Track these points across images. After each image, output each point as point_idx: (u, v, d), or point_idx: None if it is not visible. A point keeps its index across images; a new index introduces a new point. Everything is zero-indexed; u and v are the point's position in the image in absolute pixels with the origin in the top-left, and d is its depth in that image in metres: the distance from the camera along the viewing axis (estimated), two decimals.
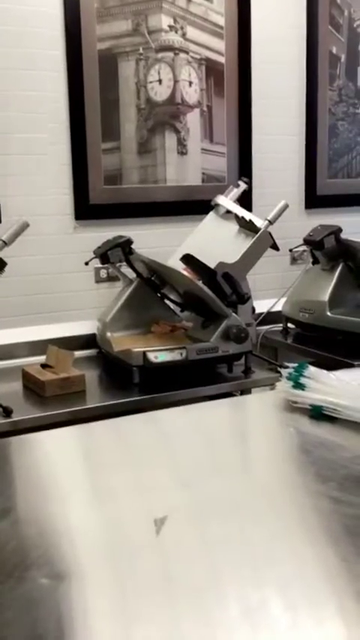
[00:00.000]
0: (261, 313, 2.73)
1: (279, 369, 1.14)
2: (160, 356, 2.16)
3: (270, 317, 2.78)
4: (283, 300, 2.75)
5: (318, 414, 0.99)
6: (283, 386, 1.04)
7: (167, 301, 2.43)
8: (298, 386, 1.02)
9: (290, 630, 0.63)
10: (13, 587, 0.68)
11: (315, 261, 2.69)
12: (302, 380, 1.03)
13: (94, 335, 2.45)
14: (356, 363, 2.31)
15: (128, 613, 0.66)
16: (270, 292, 2.80)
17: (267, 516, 0.82)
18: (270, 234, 2.33)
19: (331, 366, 2.49)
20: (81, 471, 1.00)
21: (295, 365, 1.06)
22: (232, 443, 1.03)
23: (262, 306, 2.74)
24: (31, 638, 0.62)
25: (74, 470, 0.99)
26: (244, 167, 2.76)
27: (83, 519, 0.83)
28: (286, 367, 1.09)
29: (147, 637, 0.62)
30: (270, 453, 0.99)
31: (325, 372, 1.06)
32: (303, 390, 1.02)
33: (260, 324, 2.74)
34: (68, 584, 0.70)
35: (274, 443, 1.02)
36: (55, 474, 0.98)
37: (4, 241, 2.10)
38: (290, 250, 2.81)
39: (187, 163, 2.68)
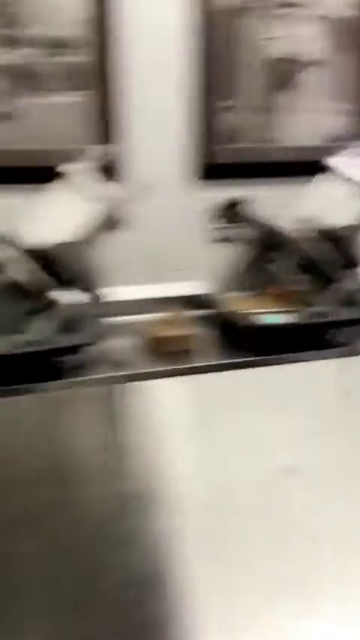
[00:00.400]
0: None
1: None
2: (272, 318, 2.19)
3: None
4: None
5: None
6: None
7: (282, 263, 2.44)
8: None
9: None
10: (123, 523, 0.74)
11: None
12: None
13: (209, 295, 2.50)
14: None
15: (224, 560, 0.70)
16: None
17: None
18: None
19: None
20: (194, 419, 1.04)
21: None
22: (344, 405, 1.05)
23: None
24: (137, 573, 0.68)
25: (187, 417, 1.04)
26: None
27: (193, 462, 0.87)
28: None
29: (245, 580, 0.66)
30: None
31: None
32: None
33: None
34: (179, 524, 0.75)
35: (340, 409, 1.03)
36: (168, 420, 1.03)
37: (129, 199, 2.16)
38: None
39: (306, 123, 2.64)
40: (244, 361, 2.15)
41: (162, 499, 0.78)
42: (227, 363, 2.15)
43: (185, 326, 2.24)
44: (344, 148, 2.48)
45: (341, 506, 0.77)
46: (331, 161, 2.44)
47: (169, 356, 2.15)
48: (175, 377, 2.08)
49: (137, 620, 0.62)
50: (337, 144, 2.64)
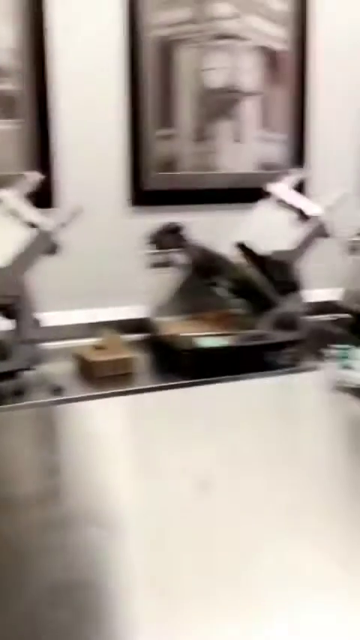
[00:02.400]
0: (314, 302, 2.71)
1: (324, 350, 1.14)
2: (209, 341, 2.18)
3: (323, 306, 2.75)
4: (337, 289, 2.73)
5: None
6: (330, 367, 1.05)
7: (218, 288, 2.45)
8: (345, 367, 1.02)
9: (324, 589, 0.64)
10: (63, 537, 0.72)
11: None
12: (349, 361, 1.03)
13: (145, 319, 2.48)
14: None
15: (166, 563, 0.68)
16: (323, 282, 2.77)
17: (310, 488, 0.83)
18: (325, 222, 2.32)
19: None
20: (128, 437, 1.03)
21: (342, 347, 1.06)
22: (276, 421, 1.04)
23: (315, 295, 2.72)
24: (81, 581, 0.65)
25: (122, 435, 1.02)
26: (300, 155, 2.74)
27: (129, 479, 0.86)
28: (333, 349, 1.09)
29: (183, 586, 0.64)
30: (314, 430, 0.99)
31: None
32: (349, 370, 1.02)
33: (312, 313, 2.71)
34: (113, 536, 0.73)
35: (318, 421, 1.02)
36: (103, 439, 1.01)
37: (60, 225, 2.14)
38: (346, 240, 2.77)
39: (242, 151, 2.68)
40: (181, 384, 2.13)
41: (98, 518, 0.76)
42: (164, 386, 2.12)
43: (122, 350, 2.21)
44: (280, 175, 2.53)
45: (271, 520, 0.76)
46: (269, 187, 2.49)
47: (106, 380, 2.11)
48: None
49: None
50: (272, 171, 2.69)
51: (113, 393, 2.04)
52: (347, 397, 1.01)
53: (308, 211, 2.33)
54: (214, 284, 2.45)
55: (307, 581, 0.65)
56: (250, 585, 0.66)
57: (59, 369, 2.21)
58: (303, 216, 2.36)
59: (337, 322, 2.73)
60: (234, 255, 2.26)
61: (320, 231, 2.32)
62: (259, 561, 0.69)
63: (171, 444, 1.00)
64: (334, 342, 2.70)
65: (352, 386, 1.02)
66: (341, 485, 0.85)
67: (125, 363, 2.15)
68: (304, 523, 0.75)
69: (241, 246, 2.19)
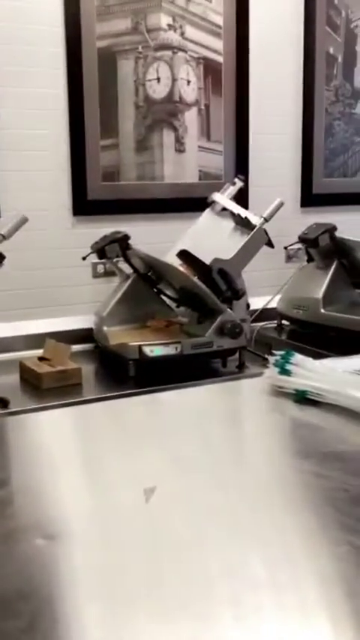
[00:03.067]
0: (256, 310, 2.76)
1: (267, 356, 1.18)
2: (155, 350, 2.19)
3: (265, 313, 2.81)
4: (278, 297, 2.79)
5: (302, 398, 1.03)
6: (270, 372, 1.08)
7: (163, 296, 2.47)
8: (284, 372, 1.05)
9: (269, 587, 0.66)
10: (10, 547, 0.72)
11: (310, 259, 2.72)
12: (288, 366, 1.06)
13: (91, 329, 2.48)
14: None
15: (113, 569, 0.69)
16: (265, 289, 2.84)
17: (251, 488, 0.85)
18: (265, 231, 2.37)
19: None
20: (75, 447, 1.03)
21: (282, 352, 1.09)
22: (219, 425, 1.06)
23: (257, 302, 2.78)
24: (26, 592, 0.65)
25: (69, 446, 1.02)
26: (240, 165, 2.79)
27: (75, 488, 0.87)
28: (274, 355, 1.12)
29: (131, 591, 0.65)
30: (254, 433, 1.02)
31: (310, 359, 1.09)
32: (289, 375, 1.05)
33: (255, 320, 2.77)
34: (60, 545, 0.73)
35: (259, 425, 1.05)
36: (50, 450, 1.01)
37: (2, 235, 2.13)
38: (285, 248, 2.84)
39: (184, 161, 2.72)
40: (127, 394, 2.13)
41: (46, 528, 0.77)
42: (110, 397, 2.13)
43: (68, 361, 2.20)
44: (222, 185, 2.57)
45: (218, 521, 0.78)
46: (211, 197, 2.53)
47: (52, 391, 2.10)
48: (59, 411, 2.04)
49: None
50: (213, 181, 2.73)
51: (60, 404, 2.04)
52: (286, 402, 1.04)
53: (249, 220, 2.38)
54: (159, 293, 2.47)
55: (255, 580, 0.67)
56: (198, 586, 0.67)
57: (4, 381, 2.19)
58: (244, 225, 2.41)
59: (281, 329, 2.79)
60: (178, 264, 2.28)
61: (260, 240, 2.37)
62: (207, 562, 0.71)
63: (118, 452, 1.01)
64: (276, 348, 2.76)
65: (291, 391, 1.05)
66: (282, 485, 0.88)
67: (71, 374, 2.14)
68: (250, 523, 0.78)
69: (184, 255, 2.22)
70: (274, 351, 1.16)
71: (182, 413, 1.14)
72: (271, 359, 1.10)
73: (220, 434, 1.03)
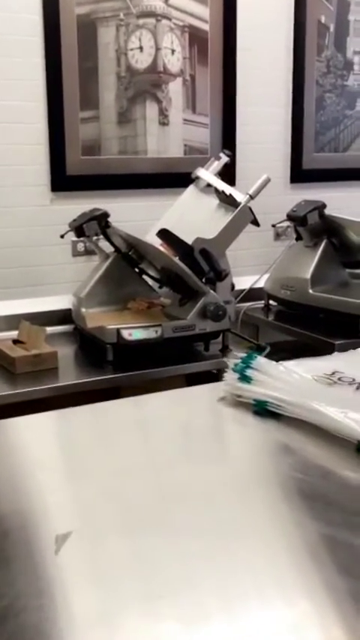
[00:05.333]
0: (242, 290, 2.68)
1: (225, 359, 1.09)
2: (134, 333, 2.11)
3: (252, 294, 2.73)
4: (266, 276, 2.70)
5: (262, 409, 0.94)
6: (229, 377, 0.99)
7: (145, 277, 2.38)
8: (244, 378, 0.96)
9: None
10: None
11: (298, 237, 2.63)
12: (248, 372, 0.97)
13: (69, 310, 2.39)
14: (337, 342, 2.27)
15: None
16: (253, 268, 2.75)
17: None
18: (250, 209, 2.27)
19: (311, 344, 2.47)
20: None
21: (244, 355, 1.00)
22: (168, 438, 0.98)
23: (244, 282, 2.69)
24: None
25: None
26: (227, 139, 2.68)
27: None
28: (234, 358, 1.03)
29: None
30: (205, 451, 0.93)
31: (273, 363, 1.00)
32: (249, 382, 0.96)
33: (242, 300, 2.68)
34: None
35: (211, 441, 0.97)
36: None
37: None
38: (273, 226, 2.74)
39: (168, 134, 2.61)
40: (108, 379, 2.06)
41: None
42: (90, 382, 2.05)
43: (44, 344, 2.11)
44: (207, 160, 2.46)
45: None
46: (196, 173, 2.42)
47: (26, 376, 2.02)
48: (36, 399, 1.96)
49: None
50: (198, 156, 2.62)
51: (33, 390, 1.96)
52: (244, 413, 0.96)
53: (233, 197, 2.28)
54: (141, 273, 2.38)
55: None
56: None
57: None
58: (228, 202, 2.31)
59: (268, 310, 2.70)
60: (159, 244, 2.19)
61: (245, 218, 2.27)
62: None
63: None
64: (265, 332, 2.68)
65: (250, 401, 0.96)
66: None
67: (46, 358, 2.06)
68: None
69: (164, 234, 2.12)
70: (235, 353, 1.07)
71: (127, 427, 1.05)
72: (231, 363, 1.01)
73: (164, 450, 0.94)
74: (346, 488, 0.80)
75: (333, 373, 0.97)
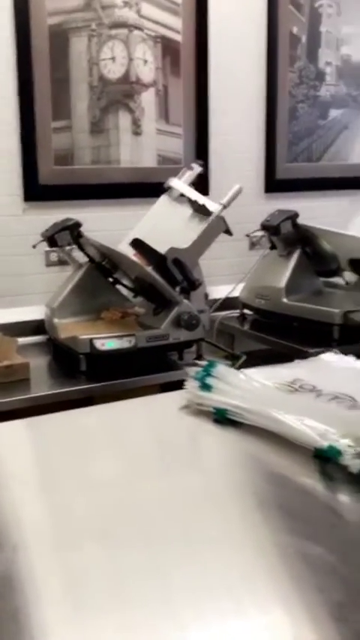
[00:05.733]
0: (217, 299, 2.68)
1: (186, 368, 1.08)
2: (107, 343, 2.10)
3: (228, 303, 2.73)
4: (241, 285, 2.70)
5: (223, 417, 0.93)
6: (190, 385, 0.98)
7: (119, 286, 2.37)
8: (205, 387, 0.96)
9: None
10: None
11: (273, 247, 2.64)
12: (209, 380, 0.96)
13: (42, 321, 2.37)
14: (311, 350, 2.27)
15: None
16: (228, 278, 2.75)
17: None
18: (223, 218, 2.27)
19: (286, 353, 2.47)
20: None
21: (205, 363, 1.00)
22: (127, 449, 0.96)
23: (220, 292, 2.69)
24: None
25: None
26: (200, 149, 2.69)
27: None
28: (195, 366, 1.03)
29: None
30: (163, 461, 0.92)
31: (234, 371, 0.99)
32: (209, 390, 0.95)
33: (218, 310, 2.68)
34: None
35: (170, 450, 0.96)
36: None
37: None
38: (247, 235, 2.75)
39: (141, 144, 2.61)
40: (81, 389, 2.05)
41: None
42: (63, 392, 2.04)
43: (16, 355, 2.10)
44: (180, 170, 2.46)
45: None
46: (169, 182, 2.42)
47: (0, 387, 2.00)
48: (9, 409, 1.94)
49: None
50: (171, 166, 2.62)
51: (5, 402, 1.94)
52: (205, 421, 0.95)
53: (206, 207, 2.28)
54: (115, 282, 2.37)
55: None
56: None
57: None
58: (202, 212, 2.31)
59: (243, 319, 2.70)
60: (132, 253, 2.18)
61: (218, 228, 2.27)
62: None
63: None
64: (241, 341, 2.68)
65: (210, 409, 0.95)
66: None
67: (18, 369, 2.04)
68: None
69: (137, 244, 2.12)
70: (196, 361, 1.07)
71: (81, 437, 1.04)
72: (191, 371, 1.00)
73: (113, 462, 0.94)
74: (303, 495, 0.80)
75: (294, 381, 0.96)
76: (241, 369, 1.02)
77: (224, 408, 0.92)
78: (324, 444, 0.79)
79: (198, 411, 0.96)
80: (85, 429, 1.03)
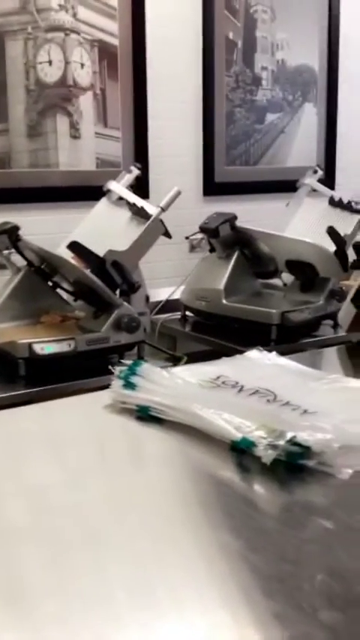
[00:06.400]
0: (158, 302, 2.69)
1: (112, 367, 1.09)
2: (47, 347, 2.09)
3: (169, 305, 2.74)
4: (182, 288, 2.72)
5: (145, 414, 0.95)
6: (115, 384, 0.99)
7: (59, 290, 2.36)
8: (129, 385, 0.97)
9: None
10: None
11: (212, 249, 2.66)
12: (133, 379, 0.98)
13: None
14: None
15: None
16: (169, 280, 2.77)
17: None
18: (162, 221, 2.29)
19: (227, 354, 2.50)
20: None
21: (129, 362, 1.01)
22: (48, 449, 0.97)
23: (161, 294, 2.71)
24: None
25: None
26: (139, 152, 2.70)
27: None
28: (118, 365, 1.04)
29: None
30: (85, 460, 0.93)
31: (158, 369, 1.01)
32: (133, 389, 0.97)
33: (159, 312, 2.70)
34: None
35: (89, 447, 0.97)
36: None
37: None
38: (187, 238, 2.77)
39: (80, 148, 2.61)
40: (20, 394, 2.03)
41: None
42: (1, 397, 2.02)
43: None
44: (118, 173, 2.47)
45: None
46: (107, 185, 2.42)
47: None
48: None
49: None
50: (110, 169, 2.63)
51: None
52: (128, 419, 0.96)
53: (145, 210, 2.29)
54: (55, 286, 2.36)
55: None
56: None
57: None
58: (140, 215, 2.33)
59: (184, 321, 2.72)
60: (73, 256, 2.18)
61: (157, 230, 2.29)
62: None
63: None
64: (183, 343, 2.71)
65: (133, 407, 0.97)
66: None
67: None
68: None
69: (75, 247, 2.12)
70: (121, 361, 1.08)
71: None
72: (116, 370, 1.02)
73: (36, 461, 0.94)
74: (221, 488, 0.82)
75: (218, 377, 0.99)
76: (167, 368, 1.03)
77: (146, 404, 0.94)
78: (238, 436, 0.81)
79: (122, 409, 0.98)
80: (9, 429, 1.03)
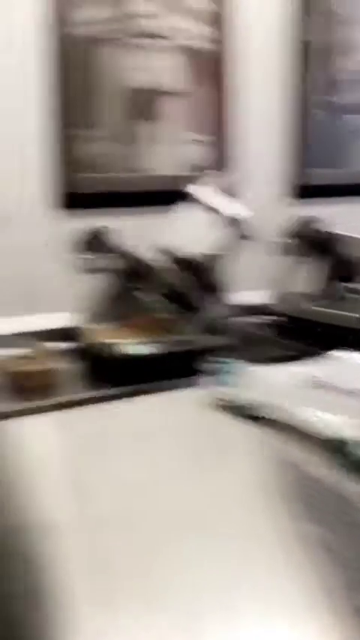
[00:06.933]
0: (241, 305, 2.71)
1: (204, 367, 1.11)
2: (135, 348, 2.14)
3: (254, 309, 2.75)
4: (267, 291, 2.73)
5: (240, 412, 0.96)
6: (208, 383, 1.02)
7: (145, 293, 2.42)
8: (223, 383, 0.99)
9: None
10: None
11: (297, 253, 2.66)
12: (227, 377, 1.00)
13: (74, 327, 2.42)
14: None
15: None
16: (254, 283, 2.77)
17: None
18: (248, 224, 2.31)
19: (313, 357, 2.49)
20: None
21: (221, 361, 1.03)
22: (133, 445, 1.00)
23: (245, 298, 2.72)
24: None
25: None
26: (226, 157, 2.73)
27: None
28: (212, 363, 1.06)
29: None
30: (186, 457, 0.96)
31: (252, 368, 1.03)
32: (228, 387, 0.99)
33: (244, 315, 2.71)
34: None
35: (181, 442, 0.99)
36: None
37: None
38: (272, 241, 2.77)
39: (168, 152, 2.66)
40: (109, 394, 2.09)
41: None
42: (91, 397, 2.08)
43: (48, 360, 2.15)
44: (205, 177, 2.51)
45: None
46: (192, 189, 2.46)
47: (30, 392, 2.05)
48: (38, 413, 1.99)
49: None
50: (197, 173, 2.67)
51: (40, 406, 1.99)
52: (225, 415, 0.98)
53: (233, 213, 2.32)
54: (141, 290, 2.42)
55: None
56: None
57: None
58: (227, 218, 2.35)
59: (268, 325, 2.73)
60: (160, 260, 2.23)
61: (245, 233, 2.31)
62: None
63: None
64: (265, 347, 2.71)
65: (231, 404, 0.99)
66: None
67: (52, 373, 2.09)
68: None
69: (165, 250, 2.17)
70: (213, 359, 1.10)
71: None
72: (209, 369, 1.04)
73: (138, 455, 0.97)
74: (318, 485, 0.83)
75: (311, 377, 1.00)
76: (260, 368, 1.05)
77: (242, 403, 0.96)
78: (334, 434, 0.82)
79: (214, 406, 1.00)
80: (106, 427, 1.06)
